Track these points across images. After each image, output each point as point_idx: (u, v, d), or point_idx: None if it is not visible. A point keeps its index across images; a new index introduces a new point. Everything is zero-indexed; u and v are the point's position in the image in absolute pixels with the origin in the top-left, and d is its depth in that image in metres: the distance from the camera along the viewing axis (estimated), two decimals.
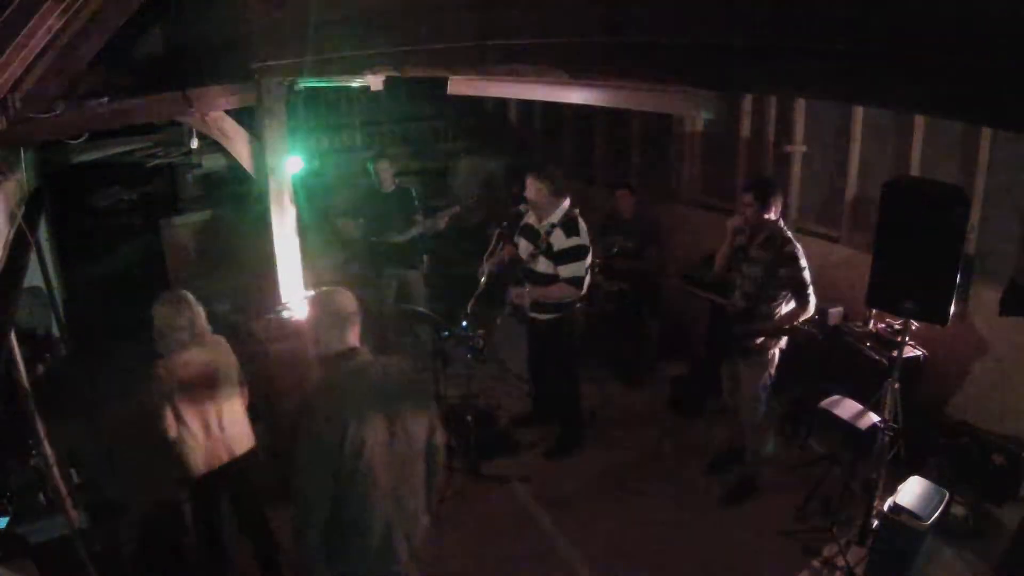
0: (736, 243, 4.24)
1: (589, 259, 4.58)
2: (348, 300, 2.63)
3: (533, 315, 4.71)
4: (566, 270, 4.46)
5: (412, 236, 6.01)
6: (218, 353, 3.50)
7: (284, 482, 4.65)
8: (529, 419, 5.33)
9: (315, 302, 2.79)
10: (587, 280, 4.63)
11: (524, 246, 4.67)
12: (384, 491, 2.53)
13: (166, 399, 3.29)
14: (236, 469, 3.48)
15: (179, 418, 3.32)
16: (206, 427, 3.38)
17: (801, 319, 4.07)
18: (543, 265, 4.53)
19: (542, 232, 4.53)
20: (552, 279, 4.51)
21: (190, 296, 3.42)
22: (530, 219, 4.68)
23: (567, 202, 4.54)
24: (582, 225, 4.53)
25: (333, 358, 2.56)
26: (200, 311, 3.43)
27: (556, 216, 4.50)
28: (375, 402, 2.51)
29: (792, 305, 4.07)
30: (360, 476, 2.45)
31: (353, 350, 2.58)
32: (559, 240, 4.46)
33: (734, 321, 4.22)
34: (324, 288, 2.86)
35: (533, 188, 4.49)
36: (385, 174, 5.96)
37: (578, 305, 4.68)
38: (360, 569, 2.60)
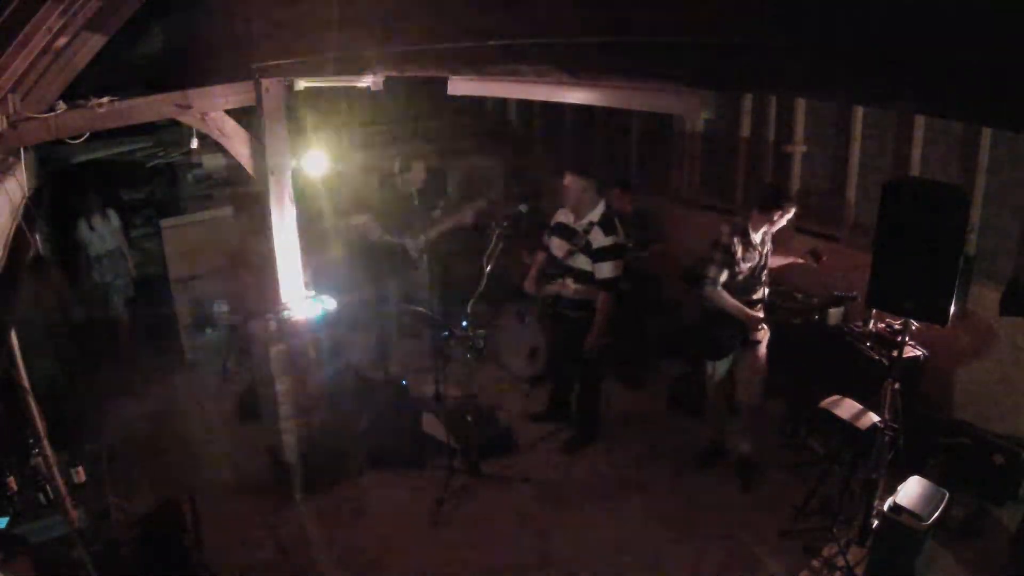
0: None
1: (623, 259, 4.62)
2: None
3: (564, 311, 4.75)
4: (602, 269, 4.50)
5: (435, 233, 6.07)
6: None
7: (284, 481, 4.67)
8: (544, 415, 5.34)
9: None
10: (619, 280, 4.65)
11: (558, 244, 4.71)
12: None
13: None
14: None
15: None
16: None
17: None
18: (581, 262, 4.58)
19: (580, 230, 4.58)
20: (591, 276, 4.55)
21: None
22: (563, 218, 4.72)
23: (604, 202, 4.62)
24: (619, 225, 4.59)
25: None
26: None
27: (596, 215, 4.57)
28: None
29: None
30: None
31: None
32: (598, 238, 4.52)
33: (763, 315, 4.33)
34: None
35: (577, 186, 4.54)
36: (416, 176, 6.05)
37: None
38: None
